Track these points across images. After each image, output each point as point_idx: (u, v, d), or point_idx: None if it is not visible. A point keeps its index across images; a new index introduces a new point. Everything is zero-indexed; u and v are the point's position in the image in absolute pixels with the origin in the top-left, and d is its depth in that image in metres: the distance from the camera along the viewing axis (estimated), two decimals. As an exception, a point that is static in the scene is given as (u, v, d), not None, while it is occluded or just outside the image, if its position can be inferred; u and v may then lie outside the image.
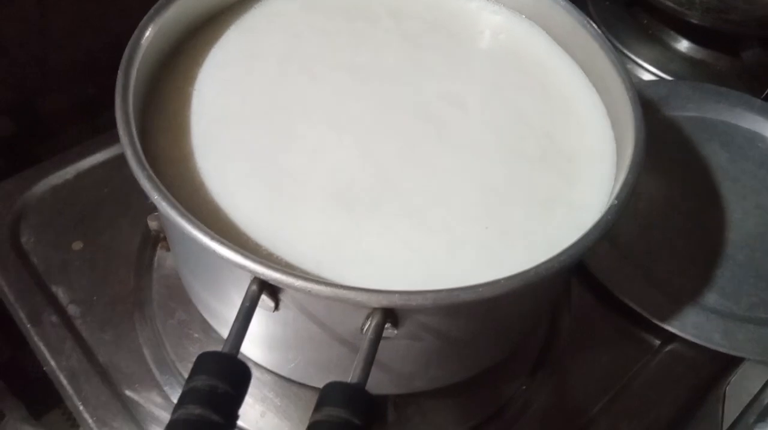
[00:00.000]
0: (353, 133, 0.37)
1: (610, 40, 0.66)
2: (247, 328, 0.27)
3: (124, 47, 0.35)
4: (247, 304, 0.28)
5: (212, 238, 0.28)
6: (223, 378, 0.24)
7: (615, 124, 0.39)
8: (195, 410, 0.22)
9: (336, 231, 0.33)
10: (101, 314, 0.44)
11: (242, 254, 0.28)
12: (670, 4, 0.62)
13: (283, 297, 0.29)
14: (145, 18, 0.36)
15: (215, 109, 0.37)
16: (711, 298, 0.48)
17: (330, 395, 0.24)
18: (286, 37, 0.41)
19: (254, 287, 0.28)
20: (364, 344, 0.27)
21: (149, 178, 0.30)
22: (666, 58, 0.68)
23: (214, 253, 0.28)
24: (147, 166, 0.31)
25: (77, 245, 0.47)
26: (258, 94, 0.38)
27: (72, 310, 0.44)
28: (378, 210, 0.34)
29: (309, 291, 0.27)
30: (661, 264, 0.49)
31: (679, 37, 0.69)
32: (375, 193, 0.34)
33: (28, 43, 0.60)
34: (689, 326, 0.46)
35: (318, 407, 0.24)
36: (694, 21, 0.64)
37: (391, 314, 0.28)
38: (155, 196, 0.29)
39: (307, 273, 0.31)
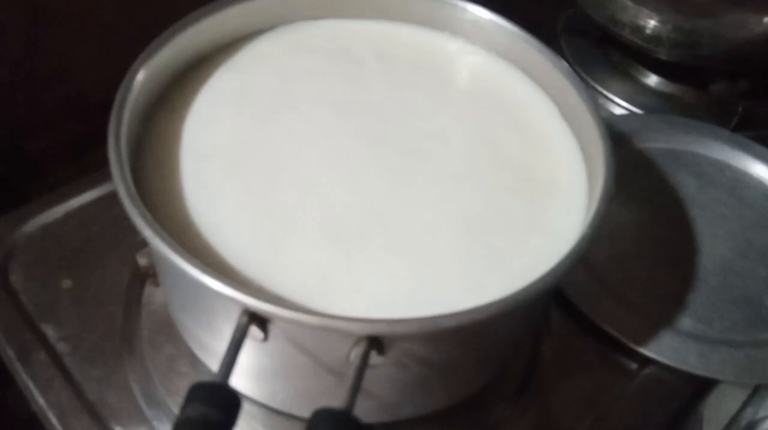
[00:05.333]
0: (341, 169, 0.38)
1: (582, 77, 0.70)
2: (237, 357, 0.28)
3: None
4: (238, 335, 0.29)
5: (203, 271, 0.29)
6: (216, 406, 0.25)
7: (587, 158, 0.41)
8: (189, 437, 0.23)
9: (326, 263, 0.34)
10: (90, 351, 0.45)
11: (233, 286, 0.29)
12: (639, 41, 0.65)
13: (272, 328, 0.30)
14: (137, 61, 0.37)
15: (205, 147, 0.38)
16: (686, 322, 0.50)
17: (318, 421, 0.25)
18: (275, 78, 0.43)
19: (244, 319, 0.29)
20: (351, 371, 0.28)
21: (142, 215, 0.31)
22: (637, 93, 0.70)
23: (205, 286, 0.29)
24: (140, 203, 0.32)
25: (66, 283, 0.48)
26: (247, 132, 0.39)
27: (61, 347, 0.45)
28: (366, 242, 0.35)
29: (296, 321, 0.29)
30: (637, 291, 0.51)
31: (649, 73, 0.72)
32: (363, 226, 0.36)
33: (17, 84, 0.62)
34: (665, 349, 0.47)
35: (307, 432, 0.25)
36: (662, 57, 0.67)
37: (376, 341, 0.30)
38: (147, 233, 0.31)
39: (296, 304, 0.32)
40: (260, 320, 0.30)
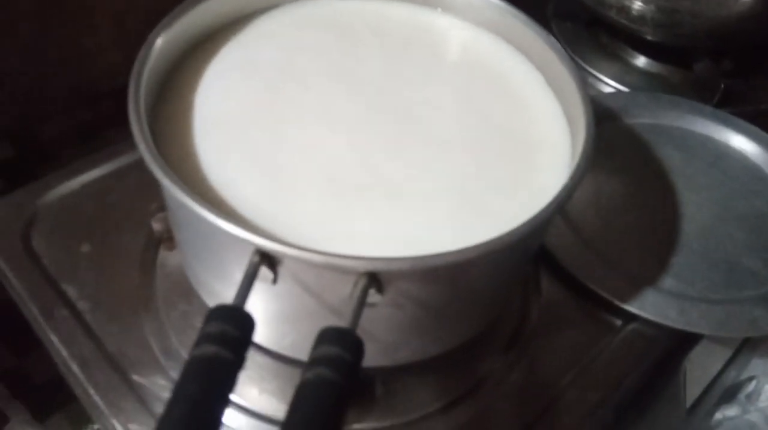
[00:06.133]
0: (342, 132, 0.41)
1: (573, 58, 0.73)
2: (250, 287, 0.31)
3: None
4: (251, 270, 0.32)
5: (218, 215, 0.32)
6: (233, 324, 0.28)
7: (570, 122, 0.44)
8: (210, 349, 0.26)
9: (329, 213, 0.37)
10: (109, 309, 0.48)
11: (245, 228, 0.32)
12: (625, 22, 0.68)
13: (281, 269, 0.33)
14: (153, 33, 0.41)
15: (216, 113, 0.41)
16: (668, 282, 0.53)
17: (325, 336, 0.28)
18: (279, 52, 0.46)
19: (256, 258, 0.32)
20: (353, 303, 0.31)
21: (162, 167, 0.34)
22: (624, 73, 0.74)
23: (219, 228, 0.32)
24: (159, 157, 0.35)
25: (85, 248, 0.51)
26: (255, 99, 0.42)
27: (82, 305, 0.48)
28: (366, 194, 0.38)
29: (303, 259, 0.32)
30: (623, 253, 0.54)
31: (636, 54, 0.75)
32: (363, 180, 0.39)
33: (28, 72, 0.64)
34: (648, 306, 0.51)
35: (315, 347, 0.28)
36: (648, 37, 0.70)
37: (375, 279, 0.33)
38: (166, 182, 0.34)
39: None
40: (270, 261, 0.33)
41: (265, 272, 0.33)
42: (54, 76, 0.67)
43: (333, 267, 0.32)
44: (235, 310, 0.29)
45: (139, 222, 0.52)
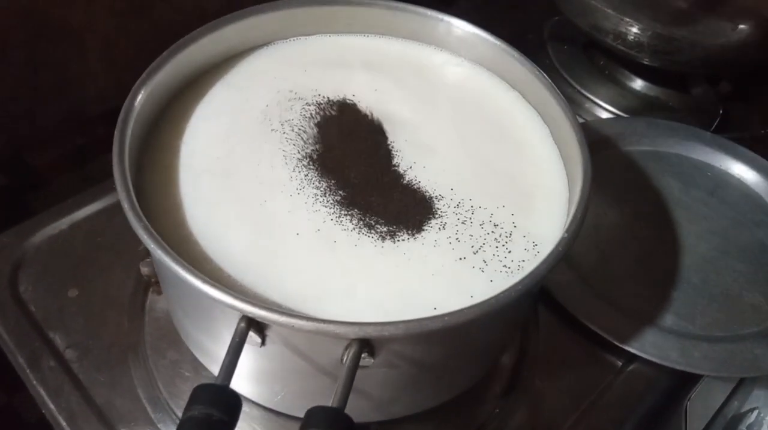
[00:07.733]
0: (335, 176, 0.40)
1: (569, 82, 0.72)
2: (237, 361, 0.30)
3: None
4: (237, 339, 0.31)
5: (204, 281, 0.31)
6: (218, 407, 0.27)
7: (567, 163, 0.43)
8: (193, 435, 0.25)
9: (319, 268, 0.36)
10: (97, 357, 0.47)
11: (231, 295, 0.31)
12: (621, 47, 0.67)
13: (269, 333, 0.32)
14: (138, 82, 0.39)
15: (202, 160, 0.40)
16: (668, 319, 0.52)
17: (313, 417, 0.27)
18: (268, 91, 0.45)
19: (242, 325, 0.31)
20: (343, 372, 0.30)
21: (145, 228, 0.33)
22: (622, 97, 0.73)
23: (205, 295, 0.31)
24: (143, 218, 0.34)
25: (73, 292, 0.50)
26: (242, 144, 0.41)
27: (69, 354, 0.47)
28: (358, 247, 0.37)
29: (292, 326, 0.31)
30: (621, 289, 0.53)
31: (634, 77, 0.74)
32: (356, 230, 0.38)
33: (19, 98, 0.63)
34: (648, 346, 0.49)
35: (303, 428, 0.27)
36: (646, 62, 0.69)
37: (367, 344, 0.32)
38: (151, 246, 0.33)
39: (292, 310, 0.34)
40: (258, 326, 0.32)
41: (253, 335, 0.32)
42: (45, 103, 0.66)
43: (323, 333, 0.31)
44: (220, 390, 0.28)
45: (127, 264, 0.51)
